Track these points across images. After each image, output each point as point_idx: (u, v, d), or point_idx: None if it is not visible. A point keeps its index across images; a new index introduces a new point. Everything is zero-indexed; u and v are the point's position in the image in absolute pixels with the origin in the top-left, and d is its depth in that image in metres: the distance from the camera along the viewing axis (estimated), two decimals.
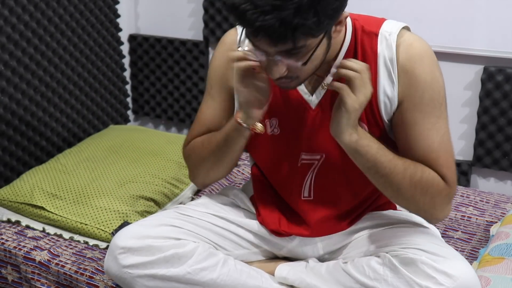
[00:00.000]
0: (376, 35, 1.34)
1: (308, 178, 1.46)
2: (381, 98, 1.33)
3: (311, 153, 1.43)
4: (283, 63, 1.19)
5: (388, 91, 1.33)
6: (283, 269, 1.51)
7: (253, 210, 1.59)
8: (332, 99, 1.34)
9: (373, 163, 1.30)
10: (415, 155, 1.33)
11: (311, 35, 1.13)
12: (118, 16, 2.69)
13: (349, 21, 1.34)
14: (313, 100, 1.39)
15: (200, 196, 1.87)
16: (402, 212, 1.56)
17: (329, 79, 1.33)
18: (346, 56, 1.33)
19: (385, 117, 1.36)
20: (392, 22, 1.36)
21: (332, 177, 1.45)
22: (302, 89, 1.39)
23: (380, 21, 1.37)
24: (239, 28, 1.45)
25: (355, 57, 1.33)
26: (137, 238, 1.43)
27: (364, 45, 1.34)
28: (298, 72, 1.22)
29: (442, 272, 1.23)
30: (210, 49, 2.76)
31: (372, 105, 1.34)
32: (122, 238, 1.44)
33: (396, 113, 1.35)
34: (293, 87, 1.30)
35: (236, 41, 1.41)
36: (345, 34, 1.33)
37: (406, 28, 1.37)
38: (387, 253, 1.35)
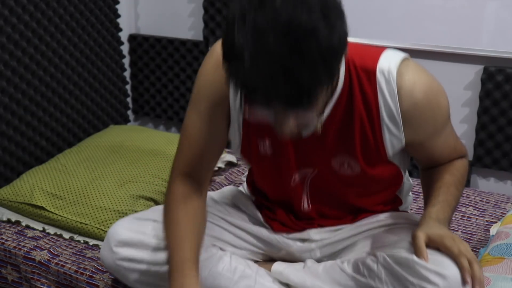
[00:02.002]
0: (374, 72, 1.26)
1: (304, 192, 1.45)
2: (387, 137, 1.31)
3: (303, 170, 1.41)
4: (292, 120, 1.11)
5: (394, 130, 1.30)
6: (280, 265, 1.52)
7: (257, 214, 1.57)
8: (325, 125, 1.29)
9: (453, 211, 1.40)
10: (439, 160, 1.43)
11: (325, 88, 1.08)
12: (118, 16, 2.69)
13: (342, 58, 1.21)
14: (304, 132, 1.32)
15: None
16: (401, 214, 1.56)
17: (323, 118, 1.27)
18: (341, 96, 1.26)
19: (391, 153, 1.34)
20: (389, 55, 1.28)
21: (325, 187, 1.44)
22: None
23: (376, 55, 1.28)
24: None
25: (351, 95, 1.27)
26: (134, 232, 1.44)
27: (362, 84, 1.26)
28: (309, 121, 1.20)
29: (434, 272, 1.23)
30: (210, 49, 2.75)
31: (378, 145, 1.32)
32: (119, 231, 1.45)
33: (413, 145, 1.35)
34: (304, 136, 1.29)
35: None
36: (338, 76, 1.24)
37: (406, 58, 1.30)
38: (382, 252, 1.36)
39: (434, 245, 1.26)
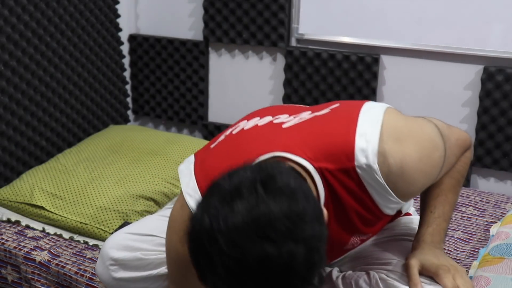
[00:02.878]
0: (353, 170, 1.13)
1: None
2: (387, 211, 1.23)
3: None
4: None
5: (393, 205, 1.22)
6: None
7: None
8: None
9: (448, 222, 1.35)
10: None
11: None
12: (118, 16, 2.69)
13: (312, 169, 1.13)
14: None
15: None
16: (400, 221, 1.54)
17: None
18: (326, 206, 1.15)
19: (393, 214, 1.28)
20: (364, 140, 1.13)
21: (336, 257, 1.42)
22: None
23: (348, 147, 1.13)
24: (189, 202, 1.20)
25: (338, 199, 1.17)
26: (128, 250, 1.43)
27: (345, 185, 1.15)
28: None
29: None
30: (210, 49, 2.75)
31: (380, 217, 1.24)
32: (113, 249, 1.43)
33: None
34: None
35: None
36: (316, 185, 1.13)
37: (383, 123, 1.16)
38: (376, 272, 1.34)
39: (428, 274, 1.25)
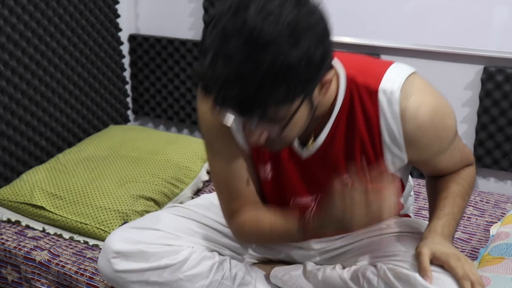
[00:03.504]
0: (376, 92, 1.21)
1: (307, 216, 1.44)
2: (389, 158, 1.28)
3: (307, 194, 1.39)
4: (258, 130, 1.12)
5: (396, 152, 1.27)
6: (279, 272, 1.49)
7: None
8: (324, 151, 1.29)
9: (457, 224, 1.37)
10: (445, 172, 1.40)
11: (282, 104, 1.06)
12: (118, 16, 2.69)
13: (342, 72, 1.23)
14: (304, 152, 1.32)
15: (200, 196, 1.87)
16: (403, 220, 1.54)
17: (322, 136, 1.27)
18: (340, 114, 1.25)
19: (392, 170, 1.31)
20: (394, 73, 1.23)
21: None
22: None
23: (380, 72, 1.23)
24: None
25: (352, 114, 1.24)
26: (131, 243, 1.43)
27: (364, 103, 1.23)
28: (279, 137, 1.15)
29: None
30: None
31: (379, 163, 1.28)
32: (116, 242, 1.44)
33: (416, 162, 1.35)
34: (278, 149, 1.25)
35: None
36: (338, 88, 1.23)
37: (412, 75, 1.25)
38: (383, 264, 1.34)
39: (439, 263, 1.24)
